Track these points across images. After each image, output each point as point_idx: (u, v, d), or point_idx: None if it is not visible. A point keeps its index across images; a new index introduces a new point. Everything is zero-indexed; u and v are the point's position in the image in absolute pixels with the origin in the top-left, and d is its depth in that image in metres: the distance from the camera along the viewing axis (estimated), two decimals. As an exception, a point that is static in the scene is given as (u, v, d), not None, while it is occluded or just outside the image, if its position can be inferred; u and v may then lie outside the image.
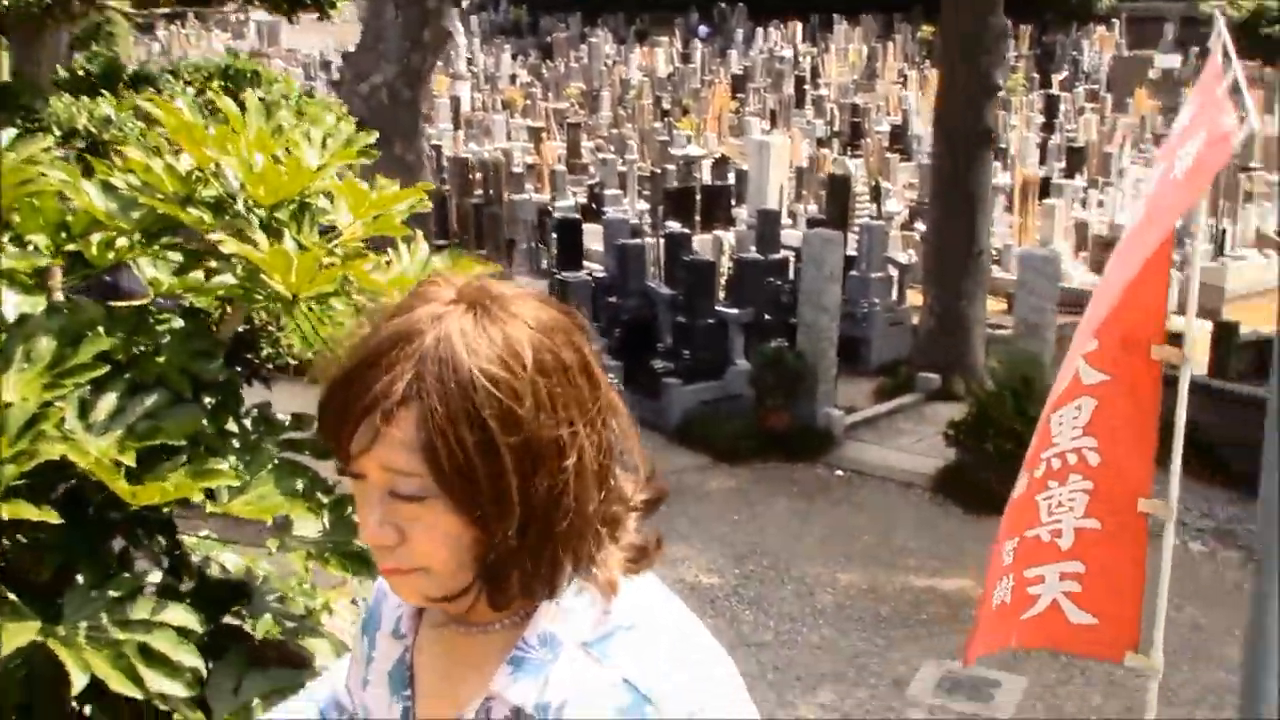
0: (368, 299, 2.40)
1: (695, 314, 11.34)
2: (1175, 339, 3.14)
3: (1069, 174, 21.18)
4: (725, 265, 13.90)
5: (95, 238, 2.35)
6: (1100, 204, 19.74)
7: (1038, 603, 3.19)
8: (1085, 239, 16.85)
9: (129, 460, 2.05)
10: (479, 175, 18.48)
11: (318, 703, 1.62)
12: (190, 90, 3.17)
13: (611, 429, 1.24)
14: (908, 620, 7.81)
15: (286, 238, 2.29)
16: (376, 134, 2.72)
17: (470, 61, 34.30)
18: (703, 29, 38.74)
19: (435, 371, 1.14)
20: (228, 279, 2.26)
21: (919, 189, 19.39)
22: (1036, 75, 31.18)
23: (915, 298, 14.12)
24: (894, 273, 13.69)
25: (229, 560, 2.70)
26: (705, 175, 19.64)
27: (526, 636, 1.23)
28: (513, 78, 32.73)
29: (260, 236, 2.25)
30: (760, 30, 37.15)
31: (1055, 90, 28.85)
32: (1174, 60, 31.71)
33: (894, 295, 13.62)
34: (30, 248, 2.27)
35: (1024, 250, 12.85)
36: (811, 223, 15.11)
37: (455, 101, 26.37)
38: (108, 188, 2.37)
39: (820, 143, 23.79)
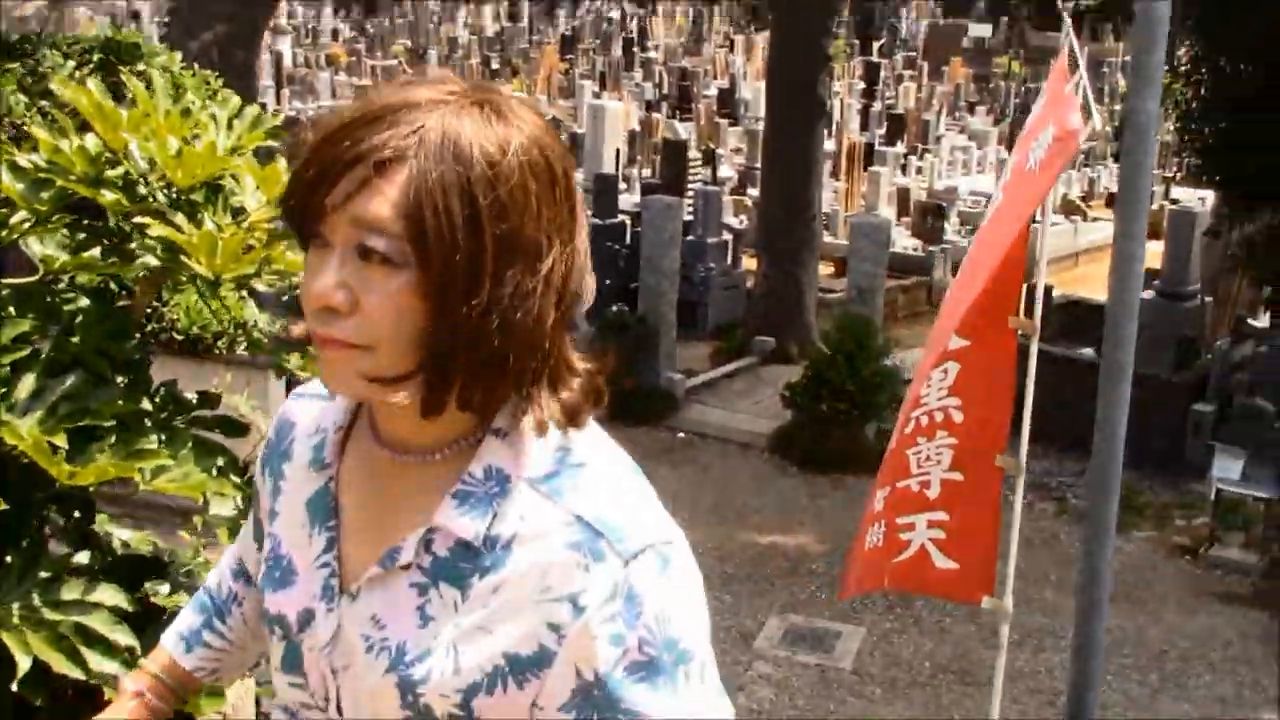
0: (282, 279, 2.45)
1: (537, 278, 11.41)
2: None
3: (889, 140, 21.85)
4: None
5: None
6: (919, 170, 20.50)
7: (908, 548, 3.43)
8: (907, 205, 17.47)
9: (60, 441, 2.07)
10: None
11: (220, 573, 1.60)
12: (70, 64, 3.09)
13: (578, 264, 1.20)
14: (752, 576, 8.12)
15: (206, 220, 2.32)
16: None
17: (290, 15, 33.41)
18: (529, -13, 38.49)
19: (435, 139, 1.11)
20: (149, 260, 2.28)
21: (747, 154, 19.75)
22: (857, 41, 31.97)
23: (748, 263, 14.50)
24: (728, 237, 13.99)
25: (128, 537, 2.72)
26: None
27: (471, 469, 1.19)
28: (334, 33, 32.03)
29: (181, 219, 2.27)
30: (588, -10, 37.14)
31: (875, 57, 29.64)
32: (985, 30, 32.95)
33: (729, 260, 13.92)
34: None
35: (856, 218, 13.29)
36: (646, 188, 15.31)
37: (277, 57, 25.69)
38: (15, 168, 2.35)
39: (649, 106, 24.01)
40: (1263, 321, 11.59)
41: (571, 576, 1.14)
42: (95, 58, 3.31)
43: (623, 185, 16.65)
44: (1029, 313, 3.42)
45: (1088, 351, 12.09)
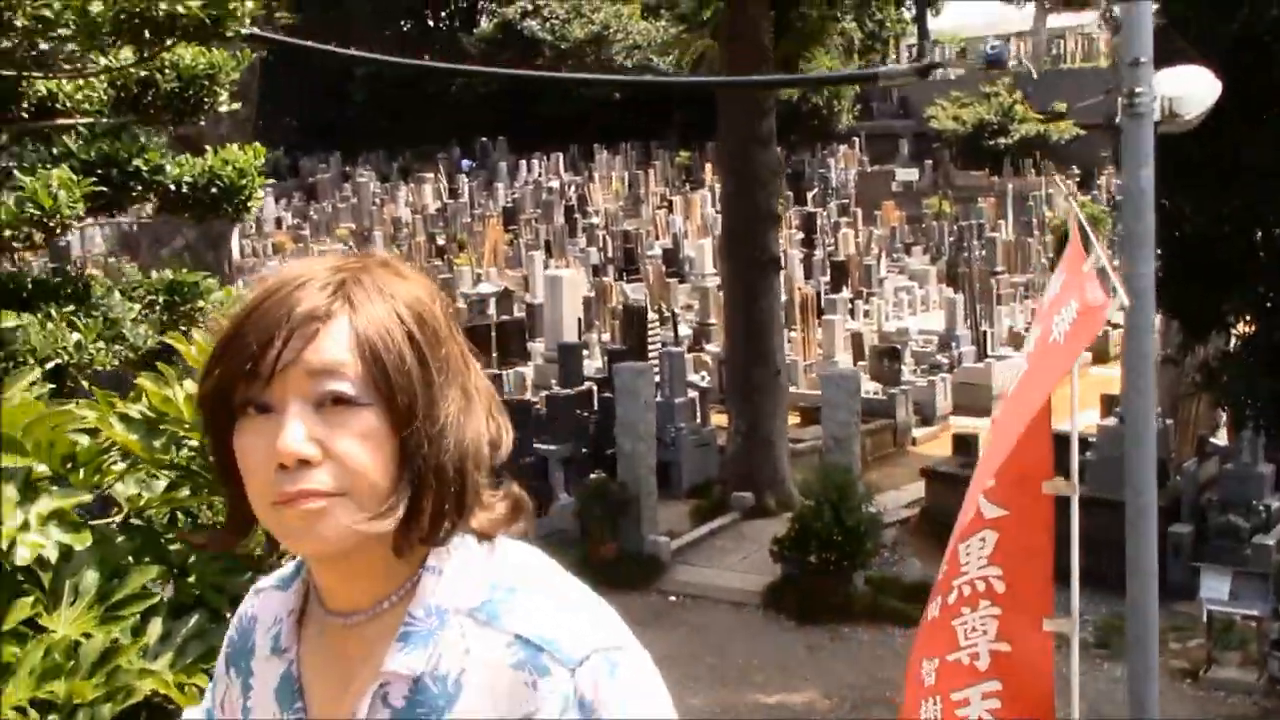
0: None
1: (515, 453, 11.50)
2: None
3: (834, 287, 22.37)
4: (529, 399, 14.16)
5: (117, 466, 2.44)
6: (866, 314, 20.97)
7: (966, 722, 3.51)
8: (861, 349, 17.81)
9: (202, 682, 2.15)
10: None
11: None
12: (136, 307, 3.20)
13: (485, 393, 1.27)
14: (765, 738, 8.10)
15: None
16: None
17: (233, 207, 33.78)
18: (466, 163, 39.33)
19: (363, 290, 1.18)
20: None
21: (699, 309, 20.13)
22: (791, 193, 32.90)
23: (716, 418, 14.71)
24: (694, 395, 14.20)
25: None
26: (491, 310, 19.93)
27: (412, 610, 1.22)
28: (278, 221, 32.44)
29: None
30: (524, 162, 37.99)
31: (810, 207, 30.48)
32: (913, 173, 34.05)
33: (697, 418, 14.11)
34: (66, 486, 2.34)
35: (825, 369, 13.59)
36: (611, 354, 15.54)
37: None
38: (126, 419, 2.46)
39: (596, 270, 24.45)
40: (1222, 439, 11.92)
41: (522, 697, 1.16)
42: (161, 299, 3.44)
43: (584, 352, 16.91)
44: (1064, 471, 3.58)
45: (1055, 481, 12.34)
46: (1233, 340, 9.09)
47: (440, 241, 28.54)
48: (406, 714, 1.20)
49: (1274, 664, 8.74)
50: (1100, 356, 19.32)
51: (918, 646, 3.65)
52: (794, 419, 15.09)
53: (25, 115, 3.75)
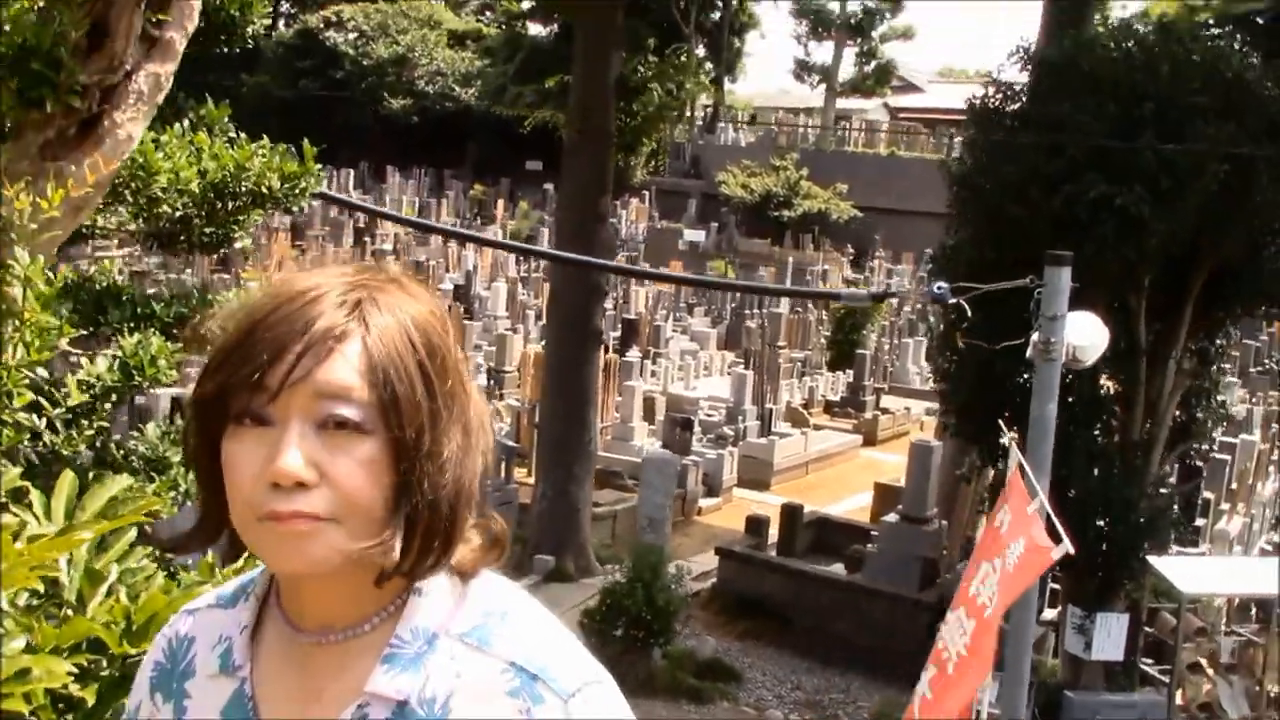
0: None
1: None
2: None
3: (623, 344, 23.01)
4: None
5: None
6: (653, 374, 21.68)
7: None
8: (650, 411, 18.44)
9: None
10: None
11: None
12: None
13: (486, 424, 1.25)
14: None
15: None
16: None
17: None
18: (253, 168, 38.48)
19: (377, 313, 1.15)
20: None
21: (494, 356, 20.40)
22: (581, 241, 33.49)
23: (518, 474, 15.09)
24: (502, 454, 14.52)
25: None
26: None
27: (399, 632, 1.19)
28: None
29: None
30: (313, 175, 37.42)
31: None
32: (699, 234, 35.26)
33: (501, 474, 14.43)
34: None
35: (649, 453, 14.13)
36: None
37: None
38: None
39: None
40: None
41: None
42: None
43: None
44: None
45: (838, 569, 13.28)
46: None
47: (224, 252, 27.85)
48: None
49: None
50: (870, 439, 20.63)
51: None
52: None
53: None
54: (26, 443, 2.27)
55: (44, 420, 2.84)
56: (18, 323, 1.72)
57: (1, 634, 2.67)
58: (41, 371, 2.40)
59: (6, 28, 1.66)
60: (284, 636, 1.25)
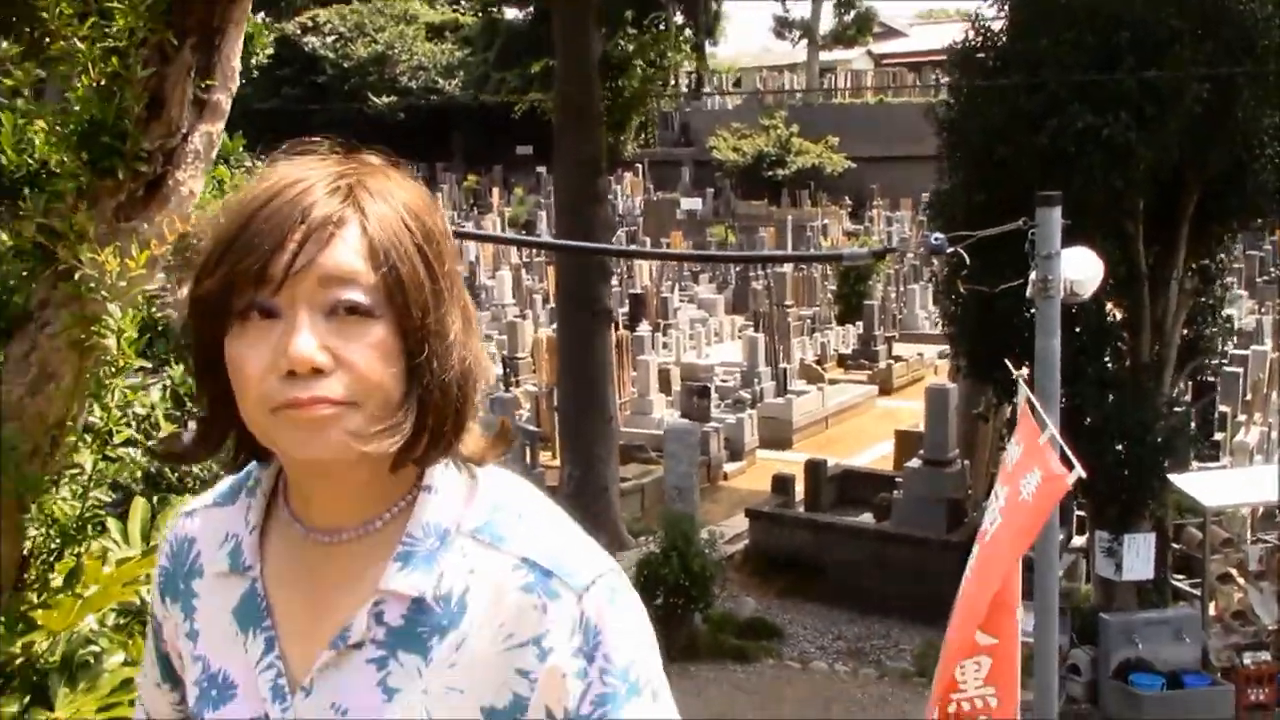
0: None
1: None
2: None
3: (632, 319, 23.17)
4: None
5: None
6: (665, 346, 21.87)
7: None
8: (666, 383, 18.65)
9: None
10: None
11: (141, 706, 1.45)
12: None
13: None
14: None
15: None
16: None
17: None
18: (247, 181, 38.69)
19: (372, 198, 1.14)
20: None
21: (505, 344, 20.59)
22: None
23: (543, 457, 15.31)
24: (525, 442, 14.75)
25: None
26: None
27: (410, 530, 1.18)
28: None
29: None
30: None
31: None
32: (696, 202, 35.38)
33: (527, 459, 14.65)
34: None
35: (670, 424, 14.32)
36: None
37: None
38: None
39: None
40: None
41: (531, 620, 1.16)
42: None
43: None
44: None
45: (867, 518, 13.49)
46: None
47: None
48: (405, 631, 1.17)
49: (1071, 687, 9.93)
50: (885, 389, 20.83)
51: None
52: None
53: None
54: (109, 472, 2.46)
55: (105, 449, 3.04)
56: (113, 369, 1.91)
57: (101, 651, 2.91)
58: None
59: (76, 107, 1.85)
60: (293, 536, 1.24)
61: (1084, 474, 3.59)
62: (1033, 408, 4.02)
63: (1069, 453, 3.79)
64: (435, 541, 1.18)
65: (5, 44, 1.98)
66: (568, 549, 1.19)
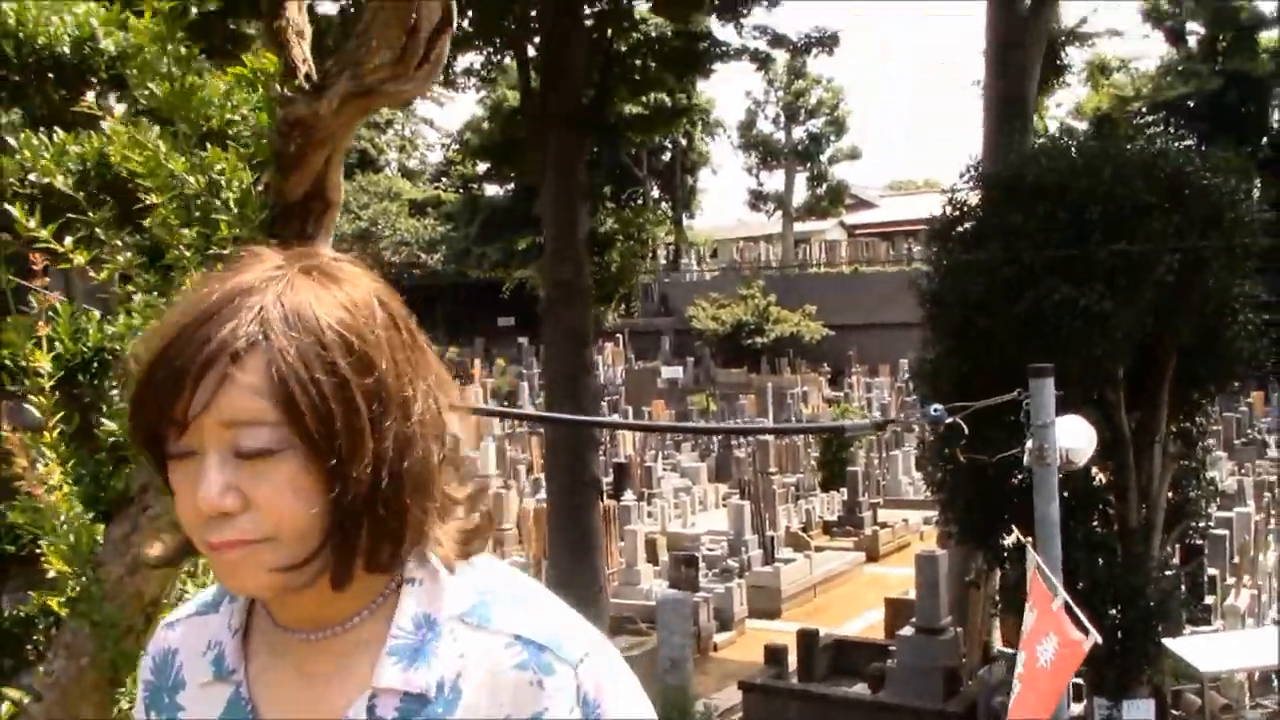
0: None
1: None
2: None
3: (616, 488, 23.15)
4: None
5: None
6: (650, 515, 21.82)
7: None
8: (653, 552, 18.55)
9: None
10: None
11: None
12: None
13: (444, 400, 1.21)
14: None
15: None
16: None
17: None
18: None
19: (279, 319, 1.10)
20: None
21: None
22: (562, 390, 33.85)
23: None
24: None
25: None
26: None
27: (399, 623, 1.18)
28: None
29: None
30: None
31: (583, 405, 31.46)
32: (677, 371, 35.73)
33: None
34: None
35: (662, 594, 14.24)
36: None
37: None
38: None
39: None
40: (999, 645, 13.22)
41: (529, 697, 1.14)
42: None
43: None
44: None
45: (861, 689, 13.35)
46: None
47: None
48: None
49: None
50: (872, 555, 20.77)
51: None
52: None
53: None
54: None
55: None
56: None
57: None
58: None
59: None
60: (274, 635, 1.24)
61: (1099, 639, 3.64)
62: (1042, 573, 4.09)
63: (1083, 618, 3.86)
64: (425, 631, 1.17)
65: (130, 255, 2.12)
66: (558, 624, 1.19)
